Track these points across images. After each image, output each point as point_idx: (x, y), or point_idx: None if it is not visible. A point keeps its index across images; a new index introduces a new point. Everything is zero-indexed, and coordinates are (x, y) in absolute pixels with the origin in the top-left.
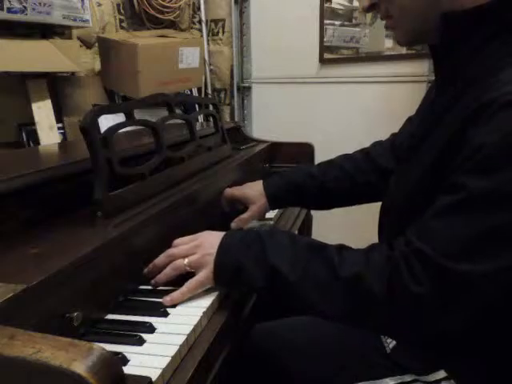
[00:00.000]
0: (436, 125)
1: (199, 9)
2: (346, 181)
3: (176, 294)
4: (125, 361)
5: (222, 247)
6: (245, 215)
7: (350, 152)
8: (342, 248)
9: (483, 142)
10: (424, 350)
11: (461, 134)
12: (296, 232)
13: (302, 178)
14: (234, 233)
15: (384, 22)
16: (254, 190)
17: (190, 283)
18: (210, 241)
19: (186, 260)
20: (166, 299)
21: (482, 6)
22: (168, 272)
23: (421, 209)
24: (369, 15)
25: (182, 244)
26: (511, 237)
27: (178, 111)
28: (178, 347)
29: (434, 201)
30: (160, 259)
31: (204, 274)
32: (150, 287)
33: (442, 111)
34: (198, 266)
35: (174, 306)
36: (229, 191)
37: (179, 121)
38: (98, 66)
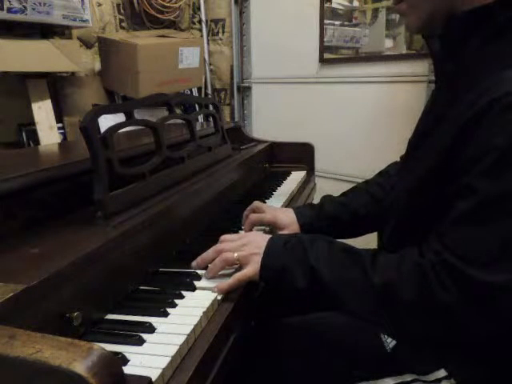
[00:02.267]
0: (437, 123)
1: (199, 9)
2: (375, 205)
3: (223, 285)
4: (125, 361)
5: (268, 249)
6: None
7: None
8: (375, 254)
9: (491, 144)
10: (424, 349)
11: (465, 133)
12: None
13: (333, 208)
14: (278, 236)
15: (384, 23)
16: (287, 215)
17: (238, 275)
18: (256, 241)
19: (236, 254)
20: (214, 290)
21: (486, 5)
22: (218, 263)
23: (424, 207)
24: (369, 15)
25: (230, 241)
26: None
27: (177, 111)
28: (177, 347)
29: (438, 199)
30: (208, 253)
31: (251, 270)
32: (149, 287)
33: (444, 110)
34: (245, 262)
35: (174, 305)
36: (257, 216)
37: (179, 121)
38: (98, 66)
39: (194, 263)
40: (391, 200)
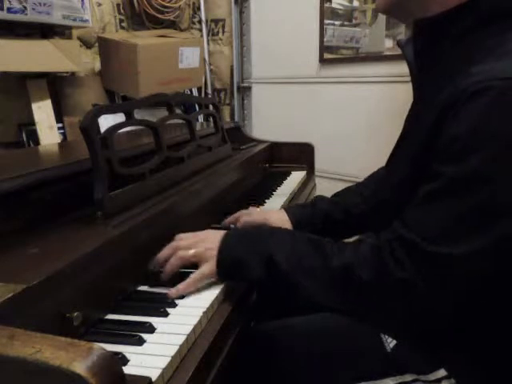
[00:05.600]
0: (415, 123)
1: (199, 9)
2: (367, 205)
3: (181, 286)
4: (125, 361)
5: (224, 243)
6: None
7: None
8: (336, 241)
9: (456, 133)
10: (424, 349)
11: (437, 127)
12: None
13: (325, 206)
14: (235, 230)
15: (384, 23)
16: (278, 216)
17: (195, 275)
18: (211, 237)
19: (191, 251)
20: (172, 291)
21: (450, 10)
22: (173, 262)
23: (407, 202)
24: (369, 15)
25: (185, 239)
26: (484, 218)
27: (177, 111)
28: (177, 347)
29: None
30: (163, 252)
31: (207, 267)
32: (149, 287)
33: (420, 110)
34: (201, 259)
35: (174, 305)
36: (248, 219)
37: (179, 121)
38: (98, 66)
39: (150, 265)
40: (380, 197)
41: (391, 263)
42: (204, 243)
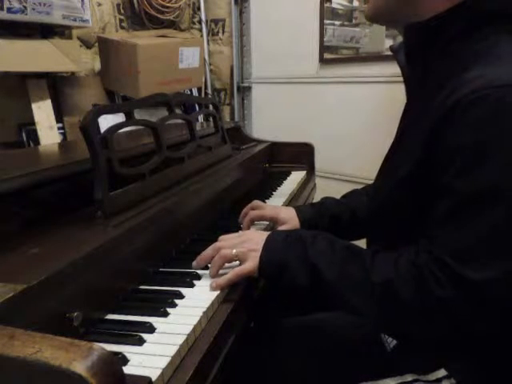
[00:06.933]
0: (412, 126)
1: (199, 9)
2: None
3: (221, 280)
4: (125, 361)
5: (267, 245)
6: None
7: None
8: (375, 252)
9: (457, 144)
10: (424, 349)
11: (435, 135)
12: None
13: (333, 206)
14: (277, 232)
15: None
16: (287, 212)
17: (237, 270)
18: (254, 238)
19: (234, 250)
20: (212, 285)
21: (442, 13)
22: (217, 260)
23: (404, 208)
24: None
25: (228, 239)
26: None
27: (177, 111)
28: (177, 347)
29: (418, 199)
30: (207, 252)
31: (250, 265)
32: (149, 287)
33: (413, 116)
34: (244, 258)
35: (174, 305)
36: (257, 213)
37: (179, 121)
38: (97, 66)
39: (194, 263)
40: (376, 202)
41: (432, 283)
42: (247, 244)
